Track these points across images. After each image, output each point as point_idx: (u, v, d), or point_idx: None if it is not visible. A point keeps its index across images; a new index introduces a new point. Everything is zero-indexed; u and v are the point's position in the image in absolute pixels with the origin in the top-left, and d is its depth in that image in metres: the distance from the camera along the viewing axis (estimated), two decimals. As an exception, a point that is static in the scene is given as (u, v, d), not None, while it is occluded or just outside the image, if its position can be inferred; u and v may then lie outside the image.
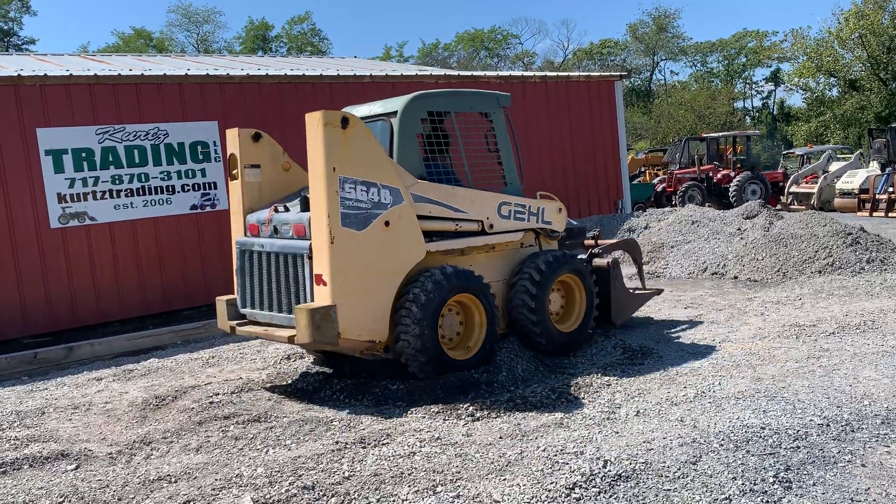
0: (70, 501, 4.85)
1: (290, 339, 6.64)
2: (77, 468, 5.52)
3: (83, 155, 10.83)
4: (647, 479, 4.63)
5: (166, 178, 11.49)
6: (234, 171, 7.49)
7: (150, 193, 11.35)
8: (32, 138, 10.48)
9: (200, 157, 11.81)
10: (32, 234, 10.48)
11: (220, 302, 7.60)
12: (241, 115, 12.06)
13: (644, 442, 5.20)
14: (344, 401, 6.76)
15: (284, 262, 6.89)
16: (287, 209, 7.14)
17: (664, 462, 4.84)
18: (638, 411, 5.91)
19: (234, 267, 7.44)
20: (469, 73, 15.63)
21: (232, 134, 7.48)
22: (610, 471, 4.73)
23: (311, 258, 6.52)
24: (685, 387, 6.45)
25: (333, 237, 6.37)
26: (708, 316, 9.09)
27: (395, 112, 7.29)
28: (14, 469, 5.56)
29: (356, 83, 13.49)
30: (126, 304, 11.14)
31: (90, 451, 5.87)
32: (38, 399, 7.61)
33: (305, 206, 6.77)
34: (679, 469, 4.74)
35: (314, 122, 6.40)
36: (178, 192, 11.60)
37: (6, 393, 8.08)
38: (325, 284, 6.40)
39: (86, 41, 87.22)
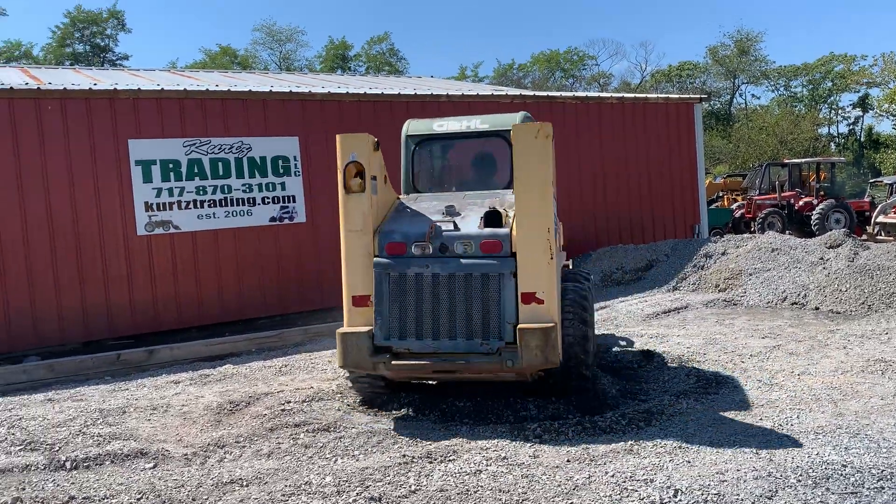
0: (147, 499, 5.03)
1: (490, 370, 6.22)
2: (154, 467, 5.72)
3: (170, 166, 11.30)
4: (720, 511, 4.51)
5: (248, 190, 11.87)
6: (357, 182, 6.40)
7: (232, 205, 11.75)
8: (124, 149, 11.00)
9: (281, 170, 12.17)
10: (120, 240, 10.98)
11: (349, 335, 6.26)
12: (321, 132, 12.39)
13: (717, 473, 5.06)
14: (411, 415, 6.81)
15: (468, 283, 6.22)
16: (455, 225, 6.46)
17: (738, 495, 4.70)
18: (711, 441, 5.76)
19: (372, 293, 6.35)
20: (545, 94, 15.64)
21: (358, 140, 6.48)
22: (681, 500, 4.63)
23: (514, 276, 6.17)
24: (761, 419, 6.26)
25: (552, 253, 6.18)
26: (787, 347, 8.79)
27: (509, 129, 7.16)
28: (96, 464, 5.80)
29: (433, 102, 13.67)
30: (204, 310, 11.52)
31: (167, 451, 6.07)
32: (119, 399, 7.93)
33: (492, 221, 6.37)
34: (754, 503, 4.59)
35: (530, 133, 6.13)
36: (259, 204, 11.96)
37: (91, 391, 8.44)
38: (541, 303, 6.07)
39: (175, 57, 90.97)
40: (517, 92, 16.87)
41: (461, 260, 6.27)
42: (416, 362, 6.25)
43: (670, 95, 17.20)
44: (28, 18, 79.61)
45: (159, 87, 11.71)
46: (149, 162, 11.16)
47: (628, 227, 15.83)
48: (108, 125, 10.92)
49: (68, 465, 5.76)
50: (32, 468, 5.70)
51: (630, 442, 5.82)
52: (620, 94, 16.94)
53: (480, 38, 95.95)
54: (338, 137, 6.48)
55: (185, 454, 5.99)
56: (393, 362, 6.22)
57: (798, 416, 6.23)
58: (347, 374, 6.96)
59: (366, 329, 6.26)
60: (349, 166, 6.39)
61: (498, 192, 7.31)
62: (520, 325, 6.04)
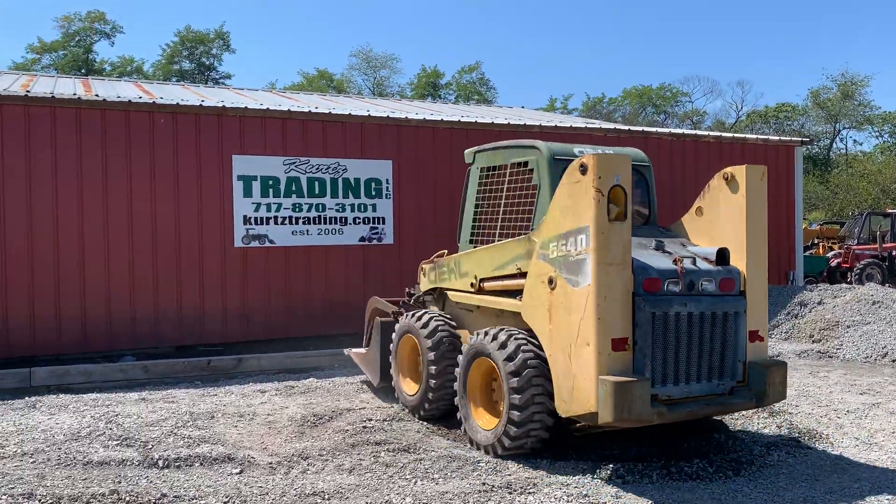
0: (234, 503, 5.17)
1: (737, 410, 6.45)
2: (241, 472, 5.89)
3: (270, 182, 11.72)
4: (814, 572, 4.30)
5: (341, 210, 12.18)
6: (617, 210, 5.77)
7: (325, 223, 12.08)
8: (228, 164, 11.49)
9: (373, 192, 12.44)
10: (218, 250, 11.42)
11: (632, 385, 5.54)
12: (414, 157, 12.64)
13: (811, 532, 4.84)
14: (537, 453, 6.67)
15: (714, 322, 6.12)
16: (694, 261, 6.24)
17: (834, 557, 4.47)
18: (805, 498, 5.51)
19: (630, 335, 5.78)
20: (640, 129, 15.47)
21: (621, 161, 5.83)
22: (772, 557, 4.43)
23: (745, 313, 6.24)
24: (859, 479, 5.96)
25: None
26: (888, 405, 8.35)
27: (649, 165, 7.24)
28: (187, 465, 6.01)
29: (525, 132, 13.73)
30: (292, 323, 11.82)
31: (253, 458, 6.23)
32: (208, 403, 8.20)
33: (722, 259, 6.29)
34: (851, 567, 4.36)
35: (758, 175, 6.38)
36: (350, 224, 12.25)
37: (181, 394, 8.77)
38: (762, 340, 6.35)
39: (274, 78, 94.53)
40: (611, 125, 16.76)
41: (708, 298, 6.08)
42: (684, 410, 5.96)
43: (770, 137, 16.75)
44: (141, 36, 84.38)
45: (264, 107, 12.19)
46: (250, 178, 11.60)
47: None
48: (214, 140, 11.44)
49: (160, 463, 5.99)
50: (128, 463, 5.96)
51: (717, 490, 5.64)
52: (718, 133, 16.59)
53: (571, 70, 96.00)
54: (595, 157, 5.72)
55: (270, 462, 6.14)
56: (669, 413, 5.80)
57: (900, 480, 5.90)
58: (517, 416, 6.11)
59: (641, 377, 5.67)
60: (613, 190, 5.74)
61: (659, 229, 7.11)
62: (759, 363, 6.20)
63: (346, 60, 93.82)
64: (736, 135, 16.94)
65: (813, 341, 12.18)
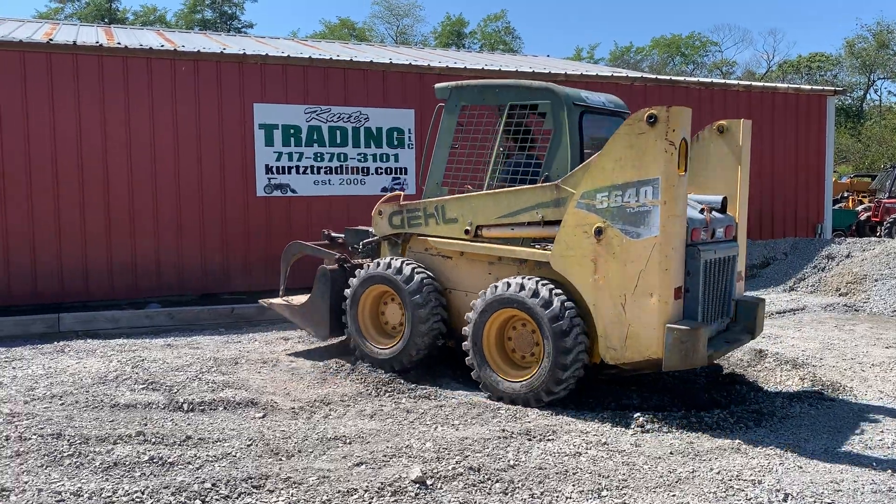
0: (257, 445, 5.26)
1: (741, 344, 6.94)
2: (264, 417, 5.98)
3: (291, 131, 11.66)
4: (834, 521, 4.30)
5: (363, 160, 12.12)
6: (683, 163, 5.89)
7: (347, 173, 12.03)
8: (250, 112, 11.43)
9: (395, 142, 12.34)
10: (241, 200, 11.44)
11: (698, 333, 5.84)
12: (436, 106, 12.44)
13: (831, 482, 4.82)
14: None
15: (728, 266, 6.70)
16: (711, 211, 6.56)
17: (854, 507, 4.47)
18: (826, 449, 5.49)
19: (683, 283, 6.04)
20: (668, 78, 15.13)
21: (687, 115, 5.89)
22: (791, 505, 4.43)
23: (737, 256, 6.88)
24: (882, 431, 5.91)
25: None
26: (913, 359, 8.25)
27: (629, 112, 7.18)
28: (211, 409, 6.11)
29: (550, 80, 13.46)
30: (315, 272, 11.85)
31: (275, 403, 6.32)
32: (232, 350, 8.31)
33: (724, 207, 6.75)
34: (871, 517, 4.36)
35: (749, 128, 6.91)
36: (372, 174, 12.20)
37: (206, 340, 8.89)
38: (741, 280, 7.03)
39: (296, 28, 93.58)
40: (638, 74, 16.42)
41: (723, 243, 6.61)
42: (719, 348, 6.33)
43: (801, 87, 16.29)
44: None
45: (285, 54, 12.07)
46: (271, 126, 11.55)
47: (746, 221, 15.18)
48: (235, 88, 11.36)
49: (185, 406, 6.10)
50: (153, 406, 6.07)
51: (737, 441, 5.62)
52: (748, 83, 16.19)
53: (598, 19, 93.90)
54: (669, 109, 5.76)
55: (293, 407, 6.22)
56: (713, 354, 6.15)
57: (924, 433, 5.84)
58: (563, 375, 6.17)
59: (699, 323, 5.99)
60: (682, 143, 5.79)
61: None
62: (751, 301, 6.88)
63: (368, 9, 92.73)
64: (766, 84, 16.52)
65: (839, 294, 12.03)
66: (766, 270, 13.46)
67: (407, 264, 7.30)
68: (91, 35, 14.33)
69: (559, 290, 6.29)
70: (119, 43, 11.80)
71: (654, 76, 15.73)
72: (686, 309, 6.07)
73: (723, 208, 6.70)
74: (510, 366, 6.61)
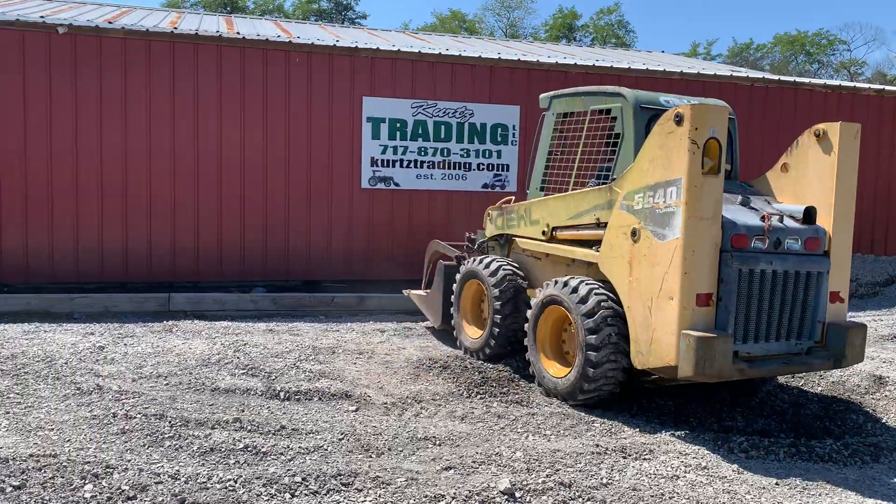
0: (348, 440, 5.30)
1: (817, 369, 6.31)
2: (356, 411, 6.02)
3: (398, 125, 11.74)
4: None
5: (465, 155, 12.07)
6: (714, 164, 5.65)
7: (449, 168, 12.02)
8: (358, 105, 11.58)
9: (499, 138, 12.23)
10: (346, 191, 11.64)
11: (715, 341, 5.48)
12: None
13: (959, 533, 4.41)
14: (606, 405, 6.58)
15: (797, 281, 6.03)
16: (781, 219, 6.12)
17: (984, 564, 4.05)
18: (953, 494, 5.03)
19: (715, 290, 5.70)
20: (791, 79, 14.32)
21: (719, 113, 5.68)
22: (911, 556, 4.07)
23: (828, 273, 6.16)
24: None
25: None
26: None
27: (734, 118, 7.00)
28: (306, 399, 6.21)
29: (664, 79, 13.02)
30: (413, 265, 11.93)
31: (369, 396, 6.37)
32: (330, 339, 8.45)
33: (809, 218, 6.14)
34: None
35: (852, 132, 6.19)
36: (474, 169, 12.14)
37: (306, 327, 9.08)
38: (842, 302, 6.31)
39: (408, 19, 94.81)
40: (759, 75, 15.61)
41: (794, 257, 5.99)
42: (765, 368, 5.90)
43: (941, 91, 15.06)
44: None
45: (395, 48, 12.15)
46: (378, 119, 11.66)
47: (870, 235, 14.22)
48: (346, 81, 11.54)
49: (282, 395, 6.22)
50: (251, 393, 6.23)
51: (851, 476, 5.24)
52: (880, 86, 15.11)
53: (717, 13, 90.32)
54: (694, 107, 5.59)
55: (385, 403, 6.25)
56: (750, 370, 5.76)
57: None
58: (591, 373, 6.15)
59: (724, 333, 5.61)
60: (709, 143, 5.58)
61: (740, 184, 6.85)
62: (839, 324, 6.14)
63: (479, 1, 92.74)
64: (901, 88, 15.37)
65: None
66: (891, 289, 12.56)
67: (496, 262, 7.80)
68: (213, 24, 14.91)
69: (600, 290, 6.26)
70: (238, 33, 12.19)
71: (776, 77, 14.92)
72: (717, 318, 5.70)
73: (807, 219, 6.12)
74: (563, 363, 6.74)
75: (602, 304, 6.18)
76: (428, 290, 9.33)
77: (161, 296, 10.09)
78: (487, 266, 7.78)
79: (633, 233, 6.03)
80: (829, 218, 6.18)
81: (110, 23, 11.19)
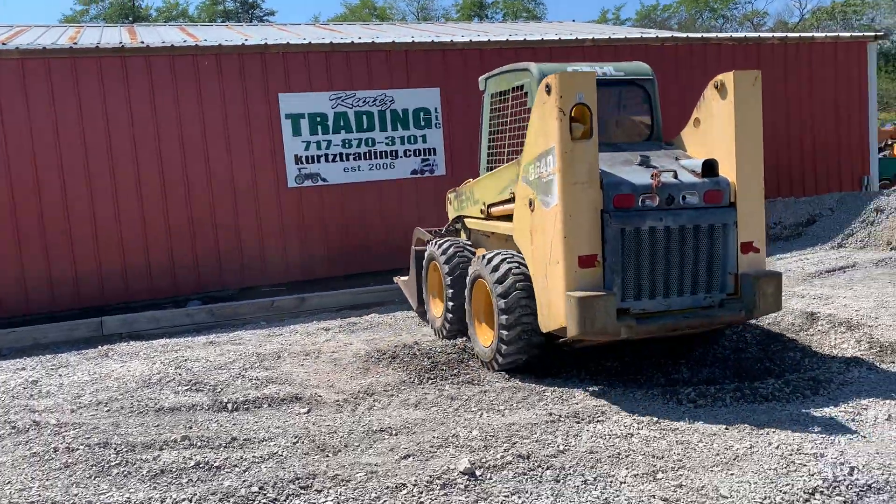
0: (303, 443, 5.21)
1: (727, 321, 6.22)
2: (308, 412, 5.94)
3: (318, 119, 11.57)
4: (904, 494, 4.10)
5: (391, 143, 11.99)
6: (582, 128, 5.69)
7: (376, 158, 11.92)
8: (275, 103, 11.36)
9: (423, 123, 12.18)
10: (273, 192, 11.43)
11: (594, 300, 5.63)
12: (462, 82, 12.23)
13: (898, 451, 4.61)
14: (556, 373, 6.67)
15: (697, 235, 5.97)
16: (675, 174, 6.05)
17: (925, 477, 4.25)
18: (889, 416, 5.25)
19: (600, 251, 5.79)
20: (699, 35, 14.66)
21: (584, 79, 5.74)
22: (857, 479, 4.24)
23: (736, 225, 6.08)
24: (948, 393, 5.65)
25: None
26: (975, 313, 7.90)
27: (651, 78, 7.10)
28: (255, 407, 6.09)
29: (577, 47, 13.17)
30: (351, 260, 11.84)
31: (320, 396, 6.28)
32: (274, 343, 8.30)
33: (710, 171, 6.07)
34: (944, 488, 4.14)
35: (749, 81, 6.05)
36: (401, 157, 12.07)
37: (248, 335, 8.91)
38: (757, 252, 6.17)
39: (317, 12, 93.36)
40: (668, 34, 15.94)
41: (689, 211, 5.95)
42: (660, 323, 5.91)
43: (839, 34, 15.66)
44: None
45: (307, 41, 11.94)
46: (298, 115, 11.47)
47: (788, 178, 14.74)
48: (259, 80, 11.29)
49: (230, 406, 6.08)
50: (198, 408, 6.07)
51: (795, 411, 5.43)
52: (782, 35, 15.61)
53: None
54: (558, 76, 5.67)
55: (337, 400, 6.17)
56: (639, 326, 5.81)
57: None
58: (505, 335, 6.40)
59: (607, 292, 5.72)
60: (576, 109, 5.65)
61: (661, 144, 6.96)
62: (751, 274, 6.02)
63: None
64: (803, 34, 15.93)
65: (892, 248, 11.61)
66: (813, 228, 13.05)
67: (448, 243, 8.00)
68: (115, 36, 14.37)
69: (513, 260, 6.48)
70: (142, 42, 11.79)
71: (684, 35, 15.26)
72: (605, 278, 5.80)
73: (708, 171, 6.04)
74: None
75: (512, 271, 6.37)
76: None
77: (93, 321, 9.74)
78: (440, 247, 7.97)
79: (530, 203, 6.22)
80: (733, 168, 6.12)
81: (4, 44, 10.67)
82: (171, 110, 10.88)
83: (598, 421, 5.39)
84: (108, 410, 6.10)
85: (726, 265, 6.08)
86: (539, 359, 6.53)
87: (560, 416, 5.50)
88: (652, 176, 5.91)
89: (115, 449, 5.07)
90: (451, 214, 8.89)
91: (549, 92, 5.76)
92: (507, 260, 6.51)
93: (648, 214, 5.84)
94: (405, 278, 9.62)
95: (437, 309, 8.30)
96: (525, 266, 6.40)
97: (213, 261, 11.19)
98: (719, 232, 6.03)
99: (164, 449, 5.10)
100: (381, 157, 11.97)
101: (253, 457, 4.95)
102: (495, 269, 6.51)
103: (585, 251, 5.75)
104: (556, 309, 5.89)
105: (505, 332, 6.36)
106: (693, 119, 6.54)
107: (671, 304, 5.99)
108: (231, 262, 11.26)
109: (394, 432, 5.37)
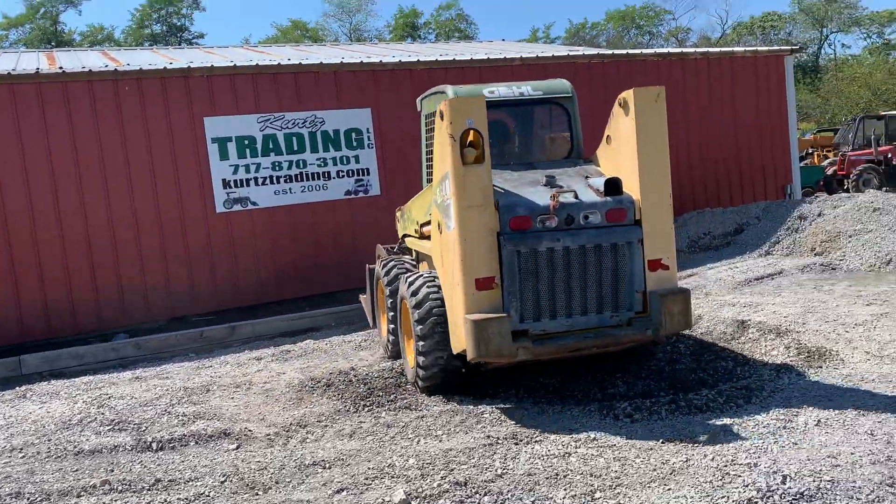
0: (231, 481, 4.99)
1: (632, 341, 6.10)
2: (238, 448, 5.70)
3: (246, 142, 11.33)
4: (835, 500, 4.13)
5: (322, 164, 11.82)
6: (474, 153, 5.73)
7: (308, 179, 11.73)
8: (200, 127, 11.09)
9: (354, 143, 12.06)
10: (201, 217, 11.11)
11: (488, 322, 5.63)
12: (394, 102, 12.18)
13: (828, 457, 4.66)
14: (494, 394, 6.59)
15: (598, 254, 5.90)
16: (576, 194, 6.00)
17: (854, 482, 4.30)
18: (819, 421, 5.33)
19: (498, 273, 5.78)
20: (624, 52, 14.96)
21: (474, 103, 5.80)
22: (790, 487, 4.26)
23: (641, 243, 5.97)
24: (873, 395, 5.77)
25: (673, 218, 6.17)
26: (895, 314, 8.16)
27: (570, 96, 7.07)
28: (181, 445, 5.82)
29: (506, 66, 13.27)
30: (284, 285, 11.58)
31: (250, 430, 6.05)
32: (203, 376, 8.01)
33: (613, 189, 6.00)
34: (873, 491, 4.19)
35: (650, 97, 5.97)
36: (334, 178, 11.91)
37: (176, 368, 8.58)
38: (666, 269, 6.03)
39: (248, 34, 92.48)
40: (595, 51, 16.24)
41: (589, 231, 5.90)
42: (559, 343, 5.86)
43: (759, 48, 16.23)
44: (109, 2, 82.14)
45: (232, 64, 11.71)
46: (224, 139, 11.21)
47: (715, 189, 15.12)
48: (183, 103, 11.00)
49: (154, 445, 5.80)
50: (120, 449, 5.77)
51: (729, 421, 5.46)
52: (704, 49, 16.08)
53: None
54: (448, 102, 5.73)
55: (268, 434, 5.96)
56: (536, 347, 5.78)
57: (916, 393, 5.72)
58: (422, 361, 6.36)
59: (502, 314, 5.71)
60: (466, 133, 5.68)
61: (570, 162, 6.95)
62: (657, 292, 5.91)
63: (320, 8, 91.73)
64: (723, 49, 16.44)
65: (815, 254, 11.97)
66: (741, 237, 13.37)
67: (389, 261, 7.88)
68: (32, 61, 13.84)
69: (432, 283, 6.41)
70: (60, 68, 11.37)
71: (610, 52, 15.56)
72: (503, 300, 5.79)
73: (612, 190, 5.98)
74: None
75: (430, 296, 6.27)
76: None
77: (10, 360, 9.26)
78: (384, 266, 7.88)
79: (439, 225, 6.24)
80: (634, 186, 6.02)
81: None
82: (90, 137, 10.49)
83: (536, 441, 5.32)
84: (24, 456, 5.74)
85: (633, 284, 5.99)
86: (458, 377, 6.44)
87: (498, 438, 5.41)
88: (551, 197, 5.89)
89: (29, 499, 4.76)
90: (400, 232, 8.89)
91: (441, 118, 5.81)
92: (428, 284, 6.39)
93: (545, 235, 5.81)
94: (365, 296, 9.55)
95: (383, 327, 8.24)
96: (440, 287, 6.35)
97: (139, 291, 10.78)
98: (624, 250, 5.95)
99: (81, 496, 4.81)
100: (314, 179, 11.79)
101: (178, 499, 4.71)
102: (414, 293, 6.42)
103: (482, 274, 5.75)
104: (459, 331, 5.86)
105: (422, 358, 6.32)
106: (605, 136, 6.51)
107: (574, 324, 5.93)
108: (158, 291, 10.88)
109: (327, 465, 5.19)
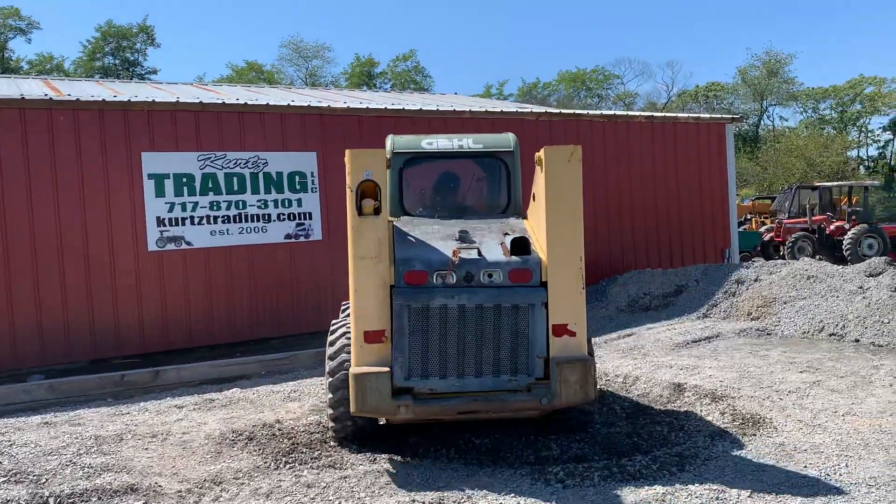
0: (132, 543, 4.60)
1: (523, 408, 5.82)
2: (144, 505, 5.30)
3: (184, 180, 11.00)
4: (766, 579, 3.98)
5: (263, 206, 11.55)
6: (371, 204, 5.70)
7: (247, 221, 11.43)
8: (137, 162, 10.74)
9: (298, 186, 11.84)
10: (131, 255, 10.68)
11: (366, 377, 5.54)
12: (340, 148, 11.98)
13: (760, 532, 4.53)
14: (422, 453, 6.32)
15: (497, 315, 5.73)
16: (479, 252, 5.87)
17: (786, 560, 4.17)
18: (752, 491, 5.22)
19: (388, 327, 5.69)
20: (571, 112, 15.19)
21: (373, 157, 5.77)
22: (721, 565, 4.10)
23: (545, 307, 5.74)
24: (806, 466, 5.71)
25: (584, 282, 5.82)
26: (827, 383, 8.21)
27: (510, 150, 7.00)
28: (82, 501, 5.38)
29: (455, 118, 13.30)
30: (215, 330, 11.16)
31: (160, 486, 5.65)
32: (118, 424, 7.54)
33: (519, 248, 5.85)
34: (804, 570, 4.06)
35: (562, 156, 5.81)
36: (274, 220, 11.63)
37: (91, 414, 8.08)
38: (573, 335, 5.74)
39: (202, 72, 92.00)
40: (542, 109, 16.46)
41: (489, 290, 5.70)
42: (444, 404, 5.66)
43: (701, 115, 16.70)
44: (61, 32, 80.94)
45: (175, 99, 11.45)
46: (162, 176, 10.87)
47: (656, 250, 15.30)
48: (121, 137, 10.66)
49: (52, 501, 5.34)
50: None
51: (661, 490, 5.30)
52: (650, 113, 16.47)
53: (506, 56, 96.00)
54: (348, 153, 5.73)
55: (179, 491, 5.56)
56: (417, 406, 5.59)
57: (846, 465, 5.67)
58: (331, 414, 6.19)
59: (383, 369, 5.57)
60: (363, 185, 5.66)
61: (505, 217, 6.90)
62: (557, 360, 5.67)
63: (277, 52, 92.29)
64: (667, 114, 16.85)
65: (752, 319, 12.10)
66: (679, 298, 13.47)
67: (344, 304, 7.50)
68: (-37, 86, 13.34)
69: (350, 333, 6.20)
70: (-9, 93, 10.94)
71: (558, 111, 15.79)
72: (392, 355, 5.68)
73: (520, 249, 5.84)
74: None
75: (345, 349, 6.07)
76: None
77: None
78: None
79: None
80: (541, 245, 5.88)
81: None
82: (18, 168, 10.04)
83: (463, 506, 5.07)
84: None
85: (534, 348, 5.74)
86: (370, 431, 6.28)
87: (424, 502, 5.14)
88: (452, 252, 5.78)
89: None
90: None
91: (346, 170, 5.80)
92: (347, 335, 6.12)
93: (439, 292, 5.68)
94: None
95: None
96: None
97: (60, 329, 10.23)
98: (525, 312, 5.73)
99: (-42, 558, 4.35)
100: (253, 221, 11.49)
101: (68, 563, 4.29)
102: (331, 343, 6.23)
103: (372, 327, 5.64)
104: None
105: (331, 410, 6.16)
106: (532, 193, 6.42)
107: (466, 385, 5.71)
108: (80, 331, 10.34)
109: (239, 527, 4.84)
